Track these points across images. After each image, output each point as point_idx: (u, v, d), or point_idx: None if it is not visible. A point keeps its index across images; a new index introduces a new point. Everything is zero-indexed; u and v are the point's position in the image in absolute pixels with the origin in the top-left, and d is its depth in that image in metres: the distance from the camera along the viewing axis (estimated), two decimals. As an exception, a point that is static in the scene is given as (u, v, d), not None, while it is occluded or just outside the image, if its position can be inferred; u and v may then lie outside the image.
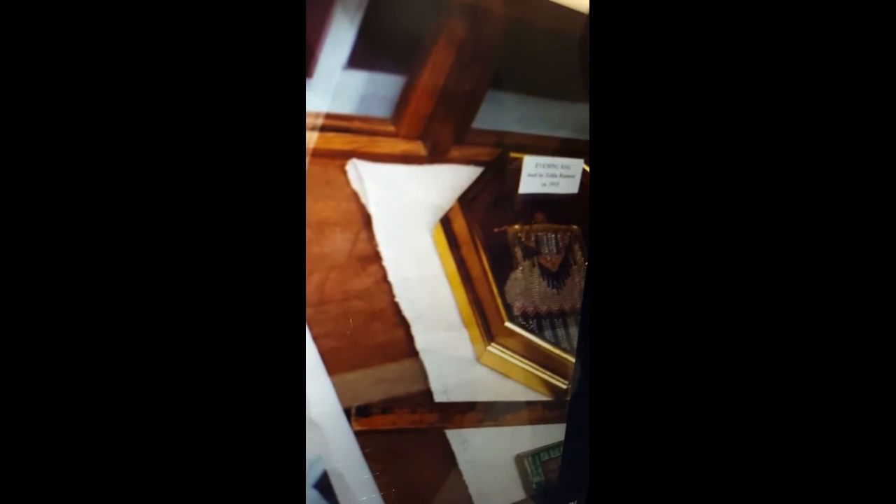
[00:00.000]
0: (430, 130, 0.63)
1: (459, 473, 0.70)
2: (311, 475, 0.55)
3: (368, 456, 0.60)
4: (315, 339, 0.56)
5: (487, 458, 0.71)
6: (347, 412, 0.58)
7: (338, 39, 0.52)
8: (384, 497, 0.62)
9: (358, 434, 0.59)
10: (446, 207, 0.67)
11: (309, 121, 0.54)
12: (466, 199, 0.68)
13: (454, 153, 0.67)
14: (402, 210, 0.63)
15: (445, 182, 0.66)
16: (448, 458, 0.69)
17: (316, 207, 0.56)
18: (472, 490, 0.70)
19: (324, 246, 0.57)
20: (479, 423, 0.71)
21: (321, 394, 0.56)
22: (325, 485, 0.56)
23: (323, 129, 0.55)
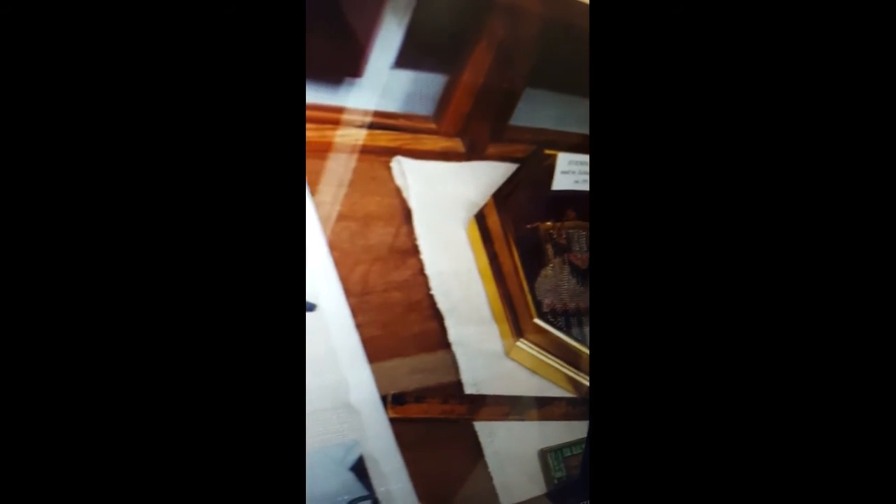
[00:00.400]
0: (469, 128, 0.65)
1: (485, 465, 0.71)
2: (349, 458, 0.57)
3: (401, 443, 0.62)
4: (358, 327, 0.58)
5: (512, 450, 0.73)
6: (384, 399, 0.60)
7: (387, 41, 0.54)
8: (414, 485, 0.63)
9: (393, 421, 0.61)
10: (481, 203, 0.68)
11: (357, 118, 0.56)
12: (501, 196, 0.70)
13: (491, 150, 0.68)
14: (440, 205, 0.65)
15: (482, 178, 0.68)
16: (475, 449, 0.70)
17: (363, 202, 0.58)
18: (496, 481, 0.72)
19: (368, 238, 0.59)
20: (505, 417, 0.72)
21: (361, 380, 0.58)
22: (360, 468, 0.57)
23: (371, 126, 0.57)
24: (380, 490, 0.58)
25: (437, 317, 0.65)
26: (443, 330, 0.65)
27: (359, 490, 0.56)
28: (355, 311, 0.58)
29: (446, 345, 0.65)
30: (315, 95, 0.53)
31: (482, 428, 0.70)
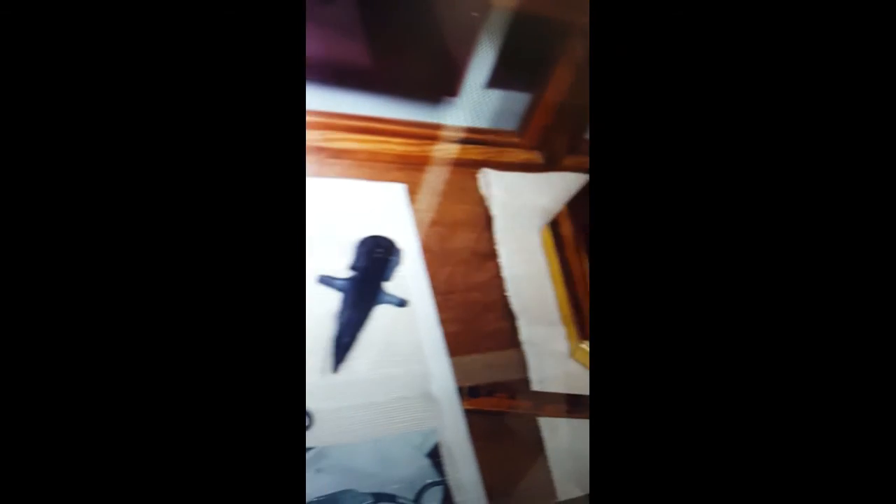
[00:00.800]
0: (549, 141, 0.69)
1: (545, 459, 0.73)
2: (426, 445, 0.60)
3: (473, 433, 0.65)
4: (441, 323, 0.63)
5: (571, 447, 0.75)
6: (460, 391, 0.64)
7: (481, 62, 0.58)
8: (481, 474, 0.66)
9: (466, 412, 0.64)
10: (556, 211, 0.72)
11: (452, 134, 0.61)
12: (574, 204, 0.73)
13: (567, 161, 0.71)
14: (518, 213, 0.69)
15: (557, 188, 0.71)
16: (537, 444, 0.72)
17: (451, 209, 0.63)
18: (554, 476, 0.74)
19: (454, 242, 0.63)
20: (567, 414, 0.74)
21: (442, 371, 0.62)
22: (435, 455, 0.60)
23: (463, 141, 0.61)
24: (451, 477, 0.60)
25: (510, 317, 0.69)
26: (514, 330, 0.69)
27: (432, 475, 0.58)
28: (440, 308, 0.63)
29: (517, 344, 0.69)
30: (417, 113, 0.58)
31: (545, 424, 0.73)
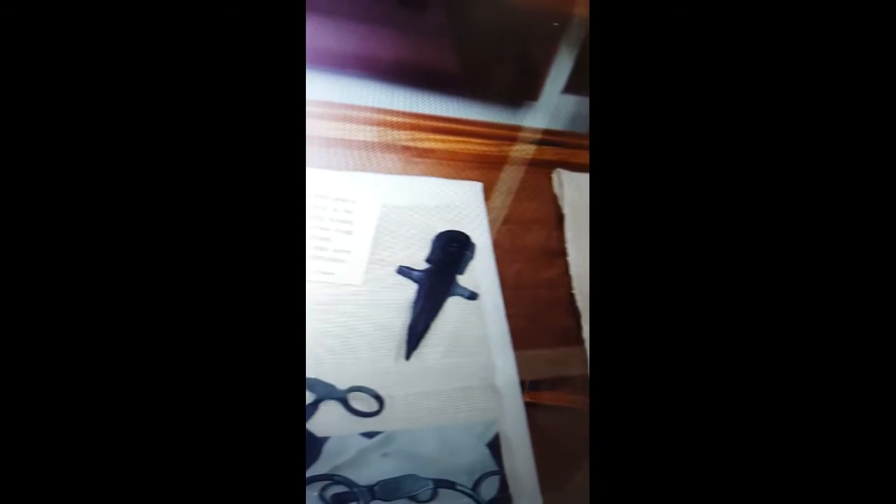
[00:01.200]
0: (621, 145, 0.70)
1: None
2: (487, 435, 0.62)
3: (531, 426, 0.66)
4: (508, 317, 0.65)
5: None
6: (522, 384, 0.65)
7: (560, 69, 0.60)
8: (537, 466, 0.67)
9: (527, 405, 0.65)
10: (623, 212, 0.72)
11: (530, 135, 0.63)
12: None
13: (637, 165, 0.72)
14: (587, 212, 0.70)
15: (626, 191, 0.71)
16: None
17: (524, 207, 0.65)
18: None
19: (525, 240, 0.65)
20: None
21: (506, 364, 0.64)
22: (495, 445, 0.62)
23: (541, 142, 0.64)
24: (508, 467, 0.61)
25: (575, 315, 0.70)
26: (578, 327, 0.70)
27: (491, 465, 0.60)
28: (508, 302, 0.65)
29: (580, 341, 0.70)
30: (498, 116, 0.60)
31: (601, 421, 0.74)
